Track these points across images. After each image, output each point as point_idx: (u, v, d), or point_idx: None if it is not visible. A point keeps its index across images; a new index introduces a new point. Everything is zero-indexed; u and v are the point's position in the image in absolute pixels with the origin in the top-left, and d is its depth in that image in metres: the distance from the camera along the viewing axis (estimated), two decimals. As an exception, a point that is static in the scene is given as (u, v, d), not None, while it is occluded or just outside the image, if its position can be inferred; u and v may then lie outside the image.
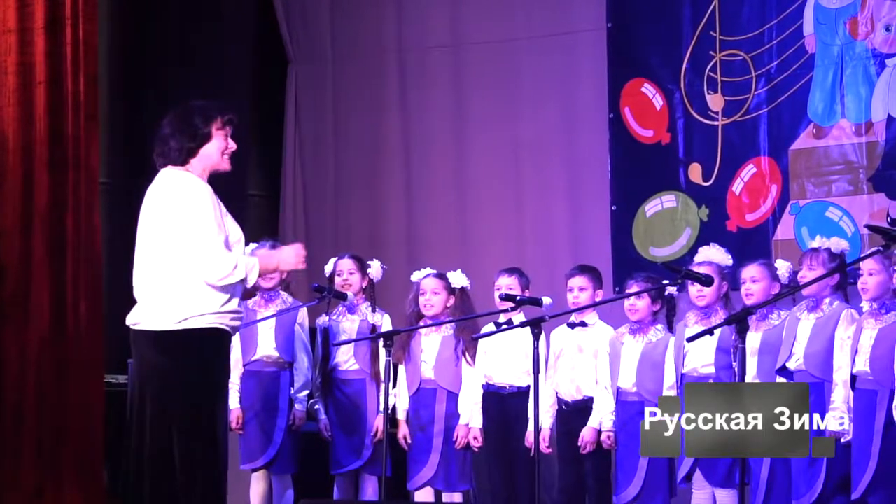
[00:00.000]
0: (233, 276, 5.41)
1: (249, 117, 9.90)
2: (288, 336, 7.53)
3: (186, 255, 5.37)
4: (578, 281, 7.25)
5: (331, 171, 10.09)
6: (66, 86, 8.24)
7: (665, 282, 6.84)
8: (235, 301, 5.49)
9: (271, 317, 7.46)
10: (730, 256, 7.02)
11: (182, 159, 5.53)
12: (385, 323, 7.62)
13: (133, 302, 5.60)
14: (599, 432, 7.08)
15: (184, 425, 5.31)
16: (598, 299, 7.19)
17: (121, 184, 9.34)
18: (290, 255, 5.74)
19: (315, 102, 10.17)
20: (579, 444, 7.10)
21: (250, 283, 5.56)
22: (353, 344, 7.51)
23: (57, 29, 8.23)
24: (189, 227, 5.38)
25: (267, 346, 7.52)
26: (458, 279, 7.55)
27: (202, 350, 5.39)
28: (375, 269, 7.70)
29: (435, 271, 7.58)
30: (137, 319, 5.48)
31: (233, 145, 5.64)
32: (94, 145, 8.37)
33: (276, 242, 7.81)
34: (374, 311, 7.64)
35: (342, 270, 7.65)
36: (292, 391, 7.51)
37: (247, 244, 5.95)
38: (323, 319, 7.67)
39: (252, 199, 10.09)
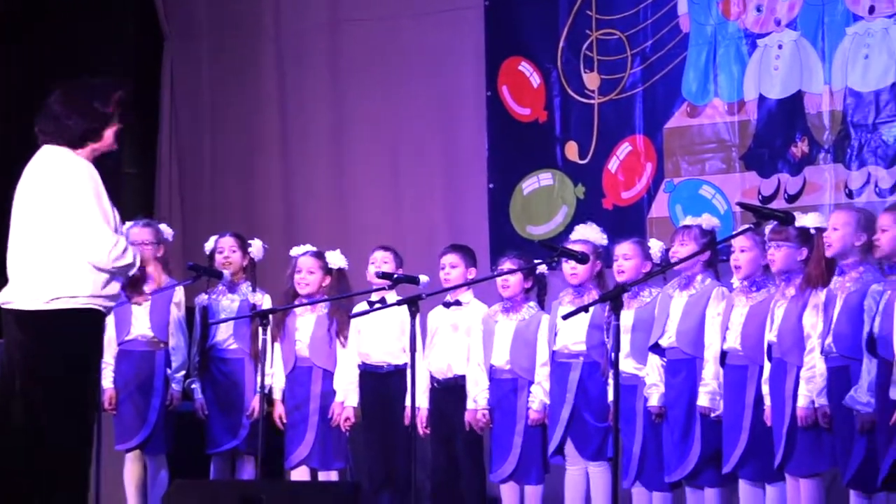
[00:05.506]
0: (123, 259, 5.32)
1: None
2: (163, 316, 7.47)
3: (75, 237, 5.26)
4: (450, 258, 7.26)
5: (207, 149, 9.98)
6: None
7: (537, 261, 6.87)
8: (117, 284, 5.41)
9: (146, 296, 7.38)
10: (605, 235, 7.07)
11: (80, 143, 5.39)
12: (266, 302, 7.58)
13: (6, 281, 5.50)
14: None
15: (50, 406, 5.24)
16: (470, 277, 7.21)
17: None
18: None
19: (191, 79, 10.04)
20: (467, 428, 7.11)
21: (133, 270, 5.47)
22: (232, 323, 7.47)
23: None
24: (79, 210, 5.25)
25: (142, 325, 7.46)
26: (336, 259, 7.52)
27: (71, 331, 5.31)
28: (256, 248, 7.67)
29: (314, 249, 7.55)
30: (9, 298, 5.38)
31: (120, 125, 5.53)
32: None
33: (151, 221, 7.76)
34: (254, 290, 7.60)
35: (223, 248, 7.61)
36: (168, 371, 7.45)
37: (122, 223, 5.85)
38: (202, 298, 7.62)
39: (127, 176, 9.92)
